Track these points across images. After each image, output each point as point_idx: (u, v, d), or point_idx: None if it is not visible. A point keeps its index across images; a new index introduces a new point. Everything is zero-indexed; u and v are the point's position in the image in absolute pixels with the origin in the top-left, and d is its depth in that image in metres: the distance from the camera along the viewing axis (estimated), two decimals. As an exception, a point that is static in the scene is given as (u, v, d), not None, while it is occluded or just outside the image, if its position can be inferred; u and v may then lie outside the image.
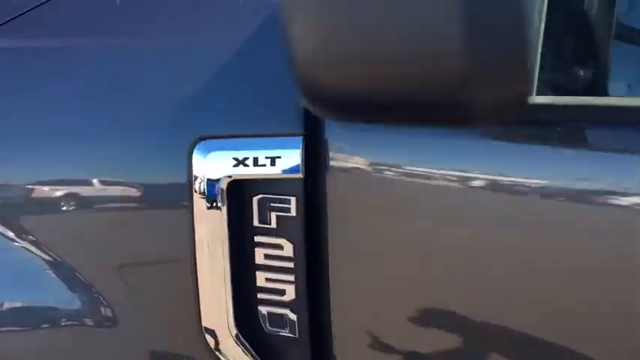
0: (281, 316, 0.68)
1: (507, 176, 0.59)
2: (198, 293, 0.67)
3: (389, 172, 0.63)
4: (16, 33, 0.67)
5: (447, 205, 0.61)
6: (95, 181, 0.67)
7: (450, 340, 0.65)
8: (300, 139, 0.63)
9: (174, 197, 0.65)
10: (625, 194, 0.56)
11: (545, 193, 0.59)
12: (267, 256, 0.67)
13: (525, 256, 0.60)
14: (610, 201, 0.57)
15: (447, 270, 0.62)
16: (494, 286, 0.62)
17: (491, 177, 0.60)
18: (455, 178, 0.60)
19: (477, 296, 0.62)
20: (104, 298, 0.69)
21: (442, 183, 0.61)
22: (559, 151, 0.59)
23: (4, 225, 0.69)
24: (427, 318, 0.65)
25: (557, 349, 0.62)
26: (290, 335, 0.69)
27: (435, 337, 0.65)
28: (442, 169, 0.61)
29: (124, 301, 0.69)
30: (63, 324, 0.70)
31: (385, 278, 0.65)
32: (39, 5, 0.66)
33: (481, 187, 0.60)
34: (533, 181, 0.59)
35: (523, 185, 0.59)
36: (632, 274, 0.57)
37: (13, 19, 0.66)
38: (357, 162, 0.64)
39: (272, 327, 0.69)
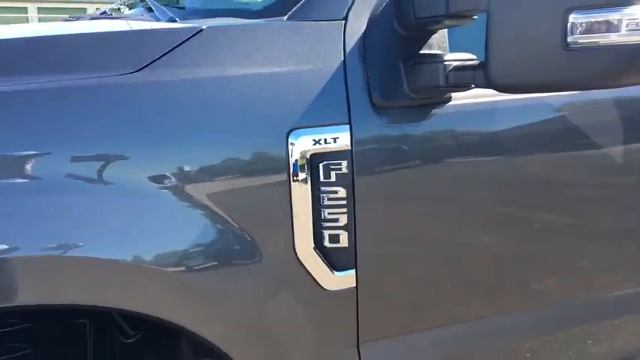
0: (337, 235, 1.14)
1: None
2: (293, 226, 1.10)
3: (400, 145, 1.15)
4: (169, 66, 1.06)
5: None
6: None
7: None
8: (348, 126, 1.12)
9: (280, 164, 1.09)
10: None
11: None
12: (329, 199, 1.13)
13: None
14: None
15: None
16: None
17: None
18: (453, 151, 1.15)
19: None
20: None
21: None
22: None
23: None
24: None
25: None
26: (343, 246, 1.15)
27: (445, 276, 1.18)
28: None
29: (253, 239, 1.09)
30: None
31: (397, 215, 1.16)
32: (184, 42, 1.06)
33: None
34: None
35: None
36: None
37: (164, 55, 1.05)
38: (379, 139, 1.15)
39: (331, 242, 1.15)
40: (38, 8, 36.41)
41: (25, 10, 35.53)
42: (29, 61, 1.01)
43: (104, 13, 1.67)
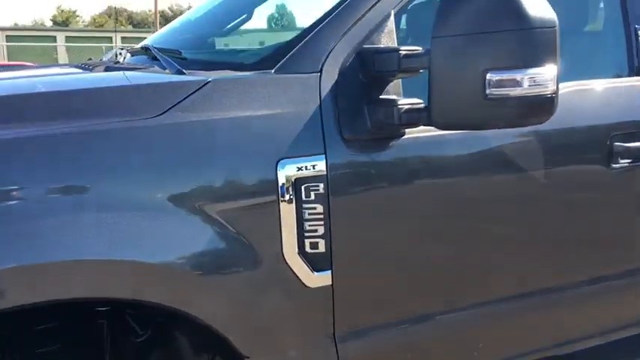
0: (316, 242, 1.44)
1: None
2: (281, 236, 1.39)
3: (366, 170, 1.45)
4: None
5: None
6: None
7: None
8: (323, 156, 1.42)
9: (271, 187, 1.38)
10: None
11: None
12: (309, 214, 1.42)
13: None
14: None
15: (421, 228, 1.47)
16: None
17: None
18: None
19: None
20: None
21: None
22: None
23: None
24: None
25: None
26: (321, 251, 1.44)
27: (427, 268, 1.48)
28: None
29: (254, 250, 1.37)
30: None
31: (364, 226, 1.46)
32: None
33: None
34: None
35: None
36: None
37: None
38: (348, 166, 1.45)
39: (311, 249, 1.44)
40: (66, 37, 36.60)
41: (54, 38, 35.77)
42: (74, 109, 1.30)
43: (117, 62, 1.95)
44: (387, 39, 1.51)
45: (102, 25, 69.86)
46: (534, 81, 1.23)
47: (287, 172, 1.38)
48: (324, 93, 1.44)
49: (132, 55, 2.10)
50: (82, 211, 1.21)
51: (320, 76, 1.46)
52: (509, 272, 1.73)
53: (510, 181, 1.65)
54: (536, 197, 1.68)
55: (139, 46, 2.22)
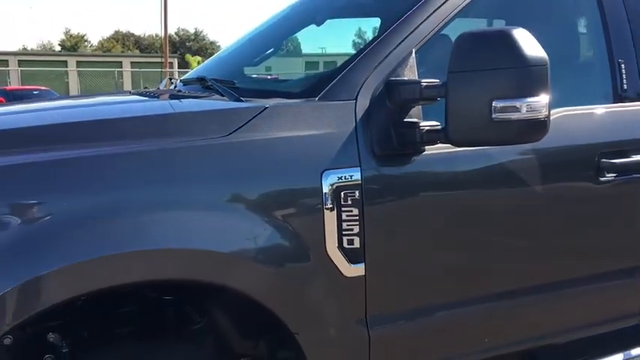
0: (352, 239, 1.74)
1: None
2: (325, 233, 1.70)
3: (392, 180, 1.77)
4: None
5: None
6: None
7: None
8: (359, 168, 1.73)
9: (317, 193, 1.69)
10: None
11: None
12: (347, 216, 1.72)
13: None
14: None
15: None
16: None
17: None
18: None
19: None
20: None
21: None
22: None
23: None
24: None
25: None
26: (356, 247, 1.75)
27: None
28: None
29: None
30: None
31: (392, 226, 1.77)
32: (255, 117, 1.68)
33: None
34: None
35: None
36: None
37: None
38: (378, 177, 1.76)
39: (348, 245, 1.74)
40: (77, 62, 37.61)
41: (65, 63, 36.81)
42: (163, 129, 1.63)
43: (180, 91, 2.29)
44: (409, 72, 1.83)
45: (110, 50, 70.95)
46: (530, 107, 1.56)
47: (330, 180, 1.69)
48: (358, 116, 1.76)
49: (184, 84, 2.44)
50: (170, 210, 1.53)
51: (355, 102, 1.78)
52: (511, 270, 2.03)
53: (511, 191, 1.96)
54: (534, 205, 1.99)
55: (188, 77, 2.56)
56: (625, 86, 2.20)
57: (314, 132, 1.72)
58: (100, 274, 1.45)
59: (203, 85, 2.25)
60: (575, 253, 2.14)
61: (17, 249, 1.40)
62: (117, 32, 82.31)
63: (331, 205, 1.70)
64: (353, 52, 2.02)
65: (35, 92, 17.78)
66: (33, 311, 1.40)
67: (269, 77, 2.67)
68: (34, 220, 1.43)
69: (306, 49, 3.27)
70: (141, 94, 2.35)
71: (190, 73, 2.60)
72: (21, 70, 30.86)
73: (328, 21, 2.69)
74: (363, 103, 1.78)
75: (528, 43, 1.56)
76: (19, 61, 34.57)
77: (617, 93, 2.21)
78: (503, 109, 1.56)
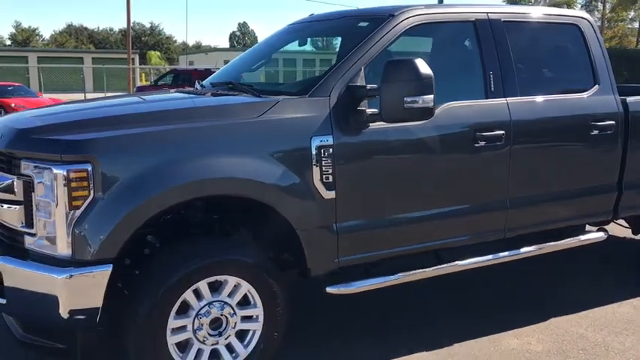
0: (328, 177, 3.06)
1: None
2: (312, 173, 3.01)
3: (351, 143, 3.10)
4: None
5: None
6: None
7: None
8: (331, 135, 3.04)
9: (307, 151, 3.00)
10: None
11: None
12: (324, 164, 3.01)
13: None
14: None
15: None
16: None
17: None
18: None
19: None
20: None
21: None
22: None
23: None
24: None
25: None
26: (331, 181, 3.07)
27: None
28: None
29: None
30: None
31: (354, 172, 3.10)
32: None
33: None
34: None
35: None
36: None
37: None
38: (343, 142, 3.08)
39: (326, 180, 3.05)
40: (38, 57, 37.48)
41: (26, 59, 36.69)
42: (218, 113, 2.93)
43: (218, 90, 3.59)
44: (360, 80, 3.15)
45: (63, 45, 69.97)
46: (423, 101, 2.92)
47: (315, 143, 2.99)
48: (331, 106, 3.07)
49: (213, 86, 3.74)
50: (233, 157, 2.82)
51: (329, 98, 3.09)
52: (422, 198, 3.40)
53: (420, 149, 3.32)
54: (435, 159, 3.36)
55: (214, 80, 3.87)
56: (492, 88, 3.59)
57: (306, 115, 3.03)
58: (203, 187, 2.74)
59: (228, 86, 3.56)
60: (460, 191, 3.52)
61: (147, 180, 2.65)
62: (70, 26, 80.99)
63: (316, 157, 3.00)
64: (325, 68, 3.35)
65: (10, 88, 18.46)
66: (166, 206, 2.66)
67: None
68: (162, 162, 2.69)
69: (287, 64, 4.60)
70: (189, 92, 3.64)
71: (212, 77, 3.95)
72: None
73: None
74: (334, 98, 3.10)
75: (422, 66, 2.92)
76: (-27, 57, 34.35)
77: (487, 92, 3.60)
78: (410, 102, 2.91)
